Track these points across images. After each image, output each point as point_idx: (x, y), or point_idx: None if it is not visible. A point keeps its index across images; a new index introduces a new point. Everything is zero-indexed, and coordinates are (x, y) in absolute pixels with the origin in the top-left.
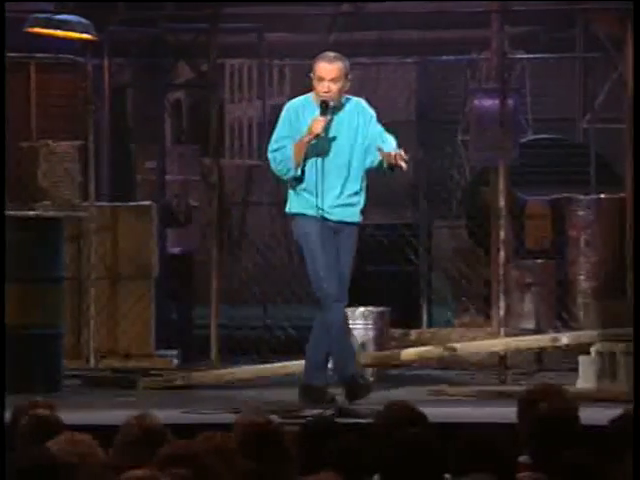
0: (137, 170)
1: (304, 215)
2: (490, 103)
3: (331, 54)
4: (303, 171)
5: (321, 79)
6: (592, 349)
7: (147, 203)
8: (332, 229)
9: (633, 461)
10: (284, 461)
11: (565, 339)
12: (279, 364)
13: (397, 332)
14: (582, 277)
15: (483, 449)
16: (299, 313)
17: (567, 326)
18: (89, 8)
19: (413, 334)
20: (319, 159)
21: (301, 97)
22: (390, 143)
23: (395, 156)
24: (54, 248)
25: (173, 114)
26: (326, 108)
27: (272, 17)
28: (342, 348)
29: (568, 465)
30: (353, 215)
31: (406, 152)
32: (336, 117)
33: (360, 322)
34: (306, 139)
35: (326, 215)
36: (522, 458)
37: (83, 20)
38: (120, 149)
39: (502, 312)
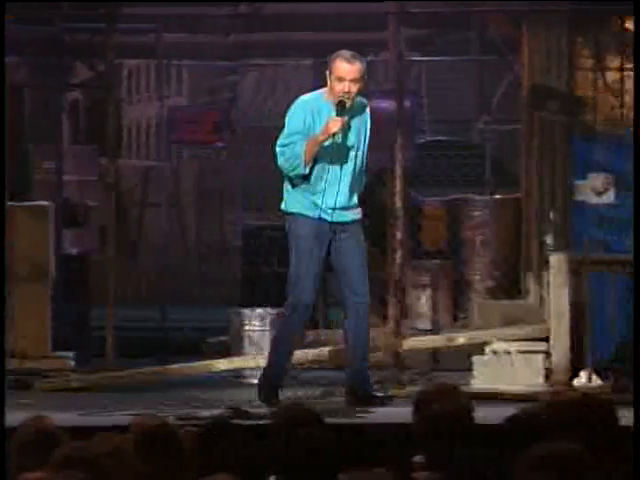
0: (34, 170)
1: (302, 215)
2: (387, 104)
3: (349, 53)
4: (310, 170)
5: (341, 79)
6: (487, 349)
7: (44, 203)
8: (329, 231)
9: (633, 460)
10: (181, 463)
11: (461, 339)
12: (186, 365)
13: None
14: (478, 277)
15: (378, 449)
16: (196, 315)
17: (463, 326)
18: None
19: (310, 335)
20: (328, 160)
21: (312, 94)
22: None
23: None
24: None
25: (70, 114)
26: (343, 109)
27: (170, 18)
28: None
29: (462, 464)
30: (353, 215)
31: None
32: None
33: (257, 323)
34: (321, 137)
35: (325, 216)
36: (417, 458)
37: None
38: (17, 149)
39: (398, 312)
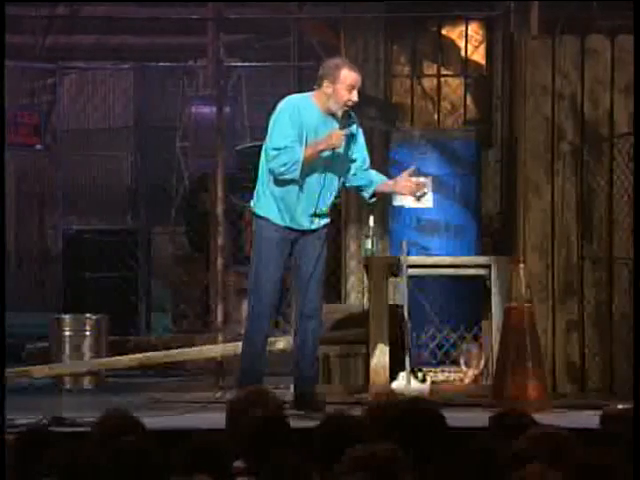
0: None
1: (268, 220)
2: (207, 110)
3: (348, 61)
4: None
5: (352, 88)
6: None
7: None
8: (293, 236)
9: (633, 461)
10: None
11: (282, 343)
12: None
13: (115, 339)
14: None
15: (201, 456)
16: (15, 320)
17: (285, 330)
18: None
19: (132, 341)
20: (311, 171)
21: (298, 97)
22: (377, 174)
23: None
24: None
25: None
26: (349, 119)
27: None
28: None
29: (276, 467)
30: (320, 222)
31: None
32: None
33: (77, 329)
34: (322, 147)
35: (293, 225)
36: (237, 462)
37: None
38: None
39: (220, 318)
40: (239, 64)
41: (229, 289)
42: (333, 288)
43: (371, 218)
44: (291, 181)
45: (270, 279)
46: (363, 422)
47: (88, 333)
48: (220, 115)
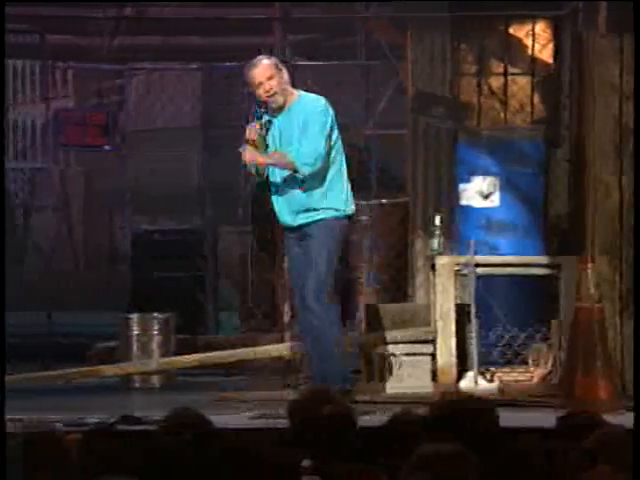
0: None
1: (279, 222)
2: None
3: (254, 60)
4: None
5: (259, 84)
6: (374, 351)
7: None
8: (296, 235)
9: (633, 461)
10: (66, 468)
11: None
12: (74, 370)
13: (183, 338)
14: (364, 280)
15: (267, 456)
16: (84, 320)
17: (351, 329)
18: None
19: (199, 340)
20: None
21: None
22: (298, 152)
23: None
24: None
25: None
26: (260, 112)
27: (55, 19)
28: (319, 351)
29: (342, 467)
30: (308, 219)
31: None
32: (285, 116)
33: (145, 328)
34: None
35: (286, 223)
36: (305, 462)
37: None
38: None
39: (287, 317)
40: (306, 63)
41: None
42: (400, 287)
43: (437, 217)
44: (271, 179)
45: (293, 278)
46: (429, 421)
47: (156, 332)
48: None
